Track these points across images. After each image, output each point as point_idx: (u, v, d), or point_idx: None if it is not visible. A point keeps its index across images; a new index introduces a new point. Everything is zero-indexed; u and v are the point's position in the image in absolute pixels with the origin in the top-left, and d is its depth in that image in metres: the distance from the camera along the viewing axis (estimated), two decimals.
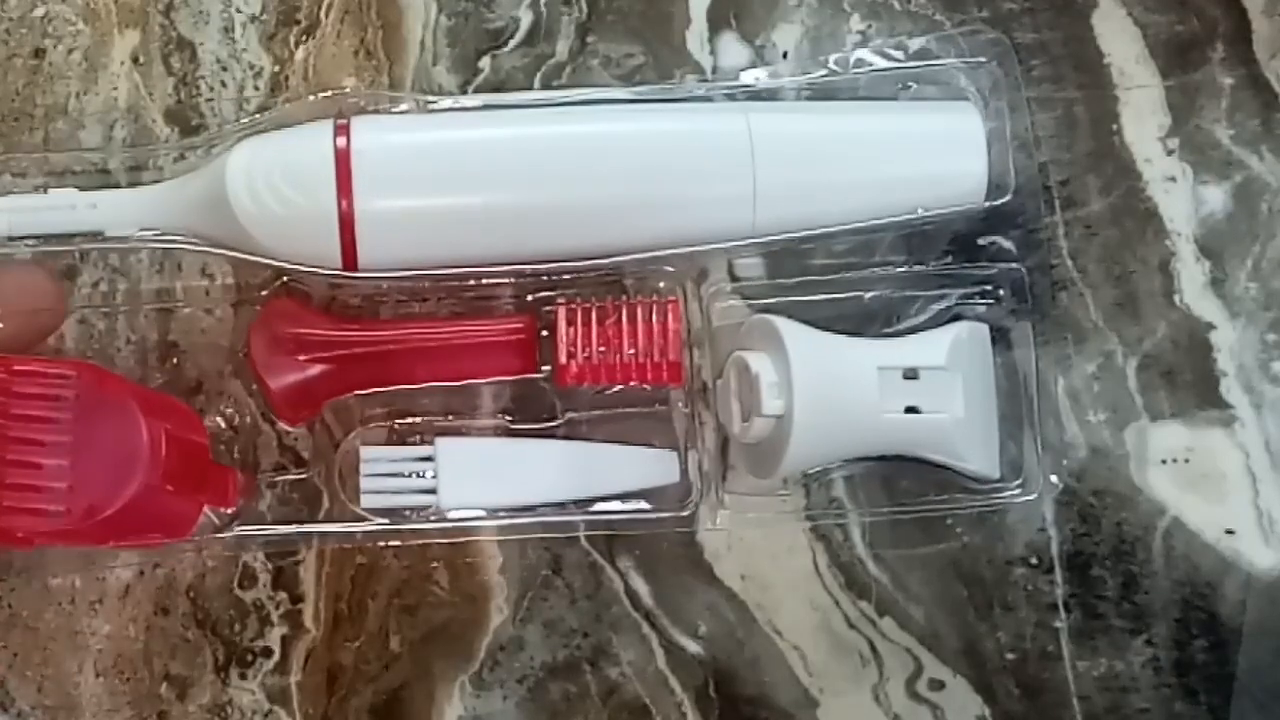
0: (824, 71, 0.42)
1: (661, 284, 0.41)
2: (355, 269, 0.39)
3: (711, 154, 0.40)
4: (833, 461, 0.41)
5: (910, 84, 0.42)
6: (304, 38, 0.44)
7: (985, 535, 0.41)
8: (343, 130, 0.39)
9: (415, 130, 0.41)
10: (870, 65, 0.42)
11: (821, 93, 0.42)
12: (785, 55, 0.44)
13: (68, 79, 0.43)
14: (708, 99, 0.42)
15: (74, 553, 0.41)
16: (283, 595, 0.42)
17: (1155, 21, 0.44)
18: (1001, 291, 0.41)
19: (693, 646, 0.42)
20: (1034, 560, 0.42)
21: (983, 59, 0.42)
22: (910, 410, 0.39)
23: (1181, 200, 0.43)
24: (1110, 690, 0.41)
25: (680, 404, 0.41)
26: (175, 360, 0.42)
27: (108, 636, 0.42)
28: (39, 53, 0.43)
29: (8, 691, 0.41)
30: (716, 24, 0.44)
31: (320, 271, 0.39)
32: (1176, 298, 0.43)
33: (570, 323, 0.40)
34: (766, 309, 0.41)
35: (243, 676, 0.42)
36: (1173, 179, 0.43)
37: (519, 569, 0.42)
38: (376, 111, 0.41)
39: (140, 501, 0.35)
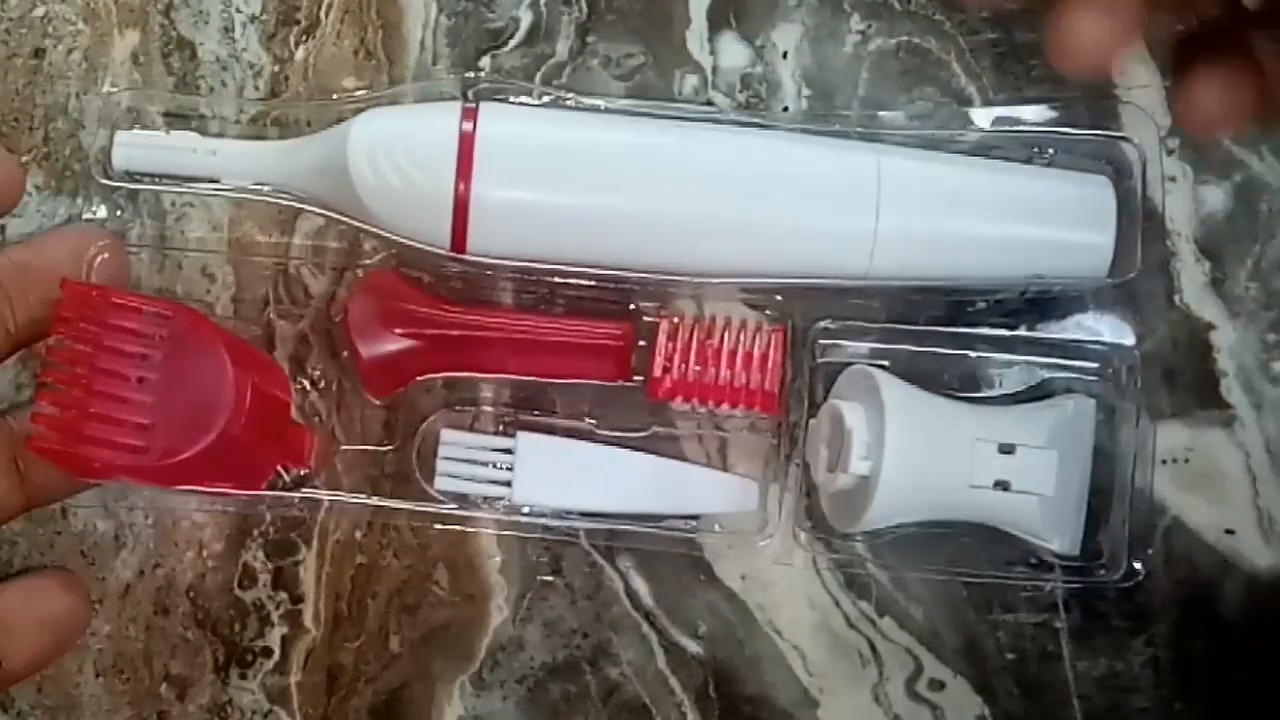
0: (970, 130, 0.42)
1: (768, 312, 0.41)
2: (463, 252, 0.39)
3: (837, 188, 0.39)
4: (910, 522, 0.40)
5: (1048, 150, 0.41)
6: (304, 38, 0.44)
7: (986, 537, 0.41)
8: (470, 114, 0.39)
9: (542, 124, 0.40)
10: (1012, 126, 0.42)
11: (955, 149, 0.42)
12: (785, 55, 0.43)
13: (68, 79, 0.43)
14: (843, 135, 0.41)
15: (74, 551, 0.41)
16: (283, 595, 0.42)
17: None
18: (1112, 370, 0.41)
19: (693, 646, 0.42)
20: (1034, 560, 0.42)
21: (1124, 135, 0.41)
22: (999, 484, 0.38)
23: (1181, 200, 0.43)
24: (1110, 690, 0.41)
25: (770, 436, 0.41)
26: None
27: (108, 636, 0.42)
28: (39, 53, 0.43)
29: (8, 691, 0.41)
30: (716, 24, 0.44)
31: (427, 249, 0.39)
32: (1176, 298, 0.43)
33: (670, 336, 0.40)
34: (868, 353, 0.40)
35: (243, 676, 0.42)
36: (1173, 179, 0.43)
37: (519, 569, 0.42)
38: (506, 99, 0.41)
39: (218, 448, 0.35)
